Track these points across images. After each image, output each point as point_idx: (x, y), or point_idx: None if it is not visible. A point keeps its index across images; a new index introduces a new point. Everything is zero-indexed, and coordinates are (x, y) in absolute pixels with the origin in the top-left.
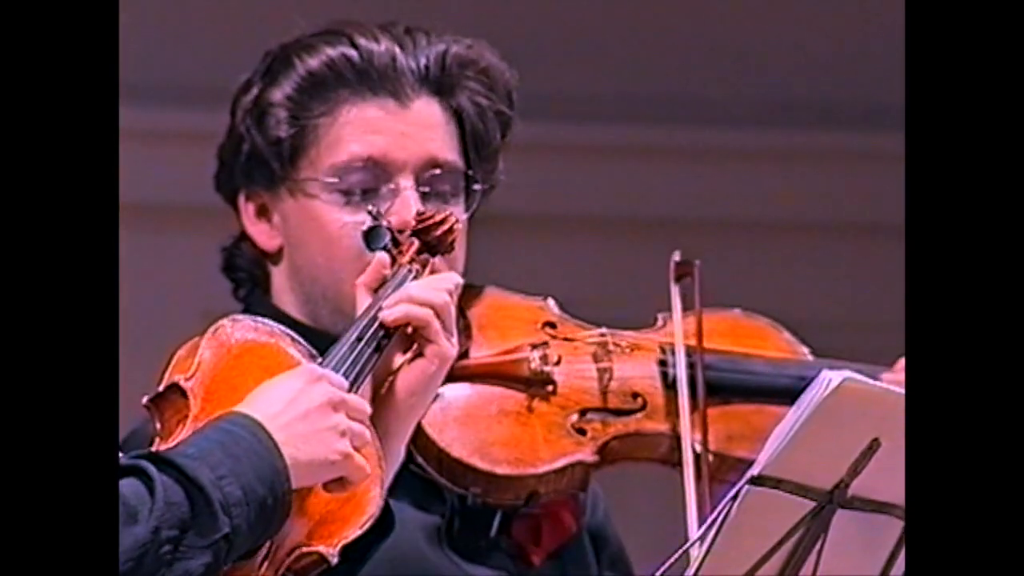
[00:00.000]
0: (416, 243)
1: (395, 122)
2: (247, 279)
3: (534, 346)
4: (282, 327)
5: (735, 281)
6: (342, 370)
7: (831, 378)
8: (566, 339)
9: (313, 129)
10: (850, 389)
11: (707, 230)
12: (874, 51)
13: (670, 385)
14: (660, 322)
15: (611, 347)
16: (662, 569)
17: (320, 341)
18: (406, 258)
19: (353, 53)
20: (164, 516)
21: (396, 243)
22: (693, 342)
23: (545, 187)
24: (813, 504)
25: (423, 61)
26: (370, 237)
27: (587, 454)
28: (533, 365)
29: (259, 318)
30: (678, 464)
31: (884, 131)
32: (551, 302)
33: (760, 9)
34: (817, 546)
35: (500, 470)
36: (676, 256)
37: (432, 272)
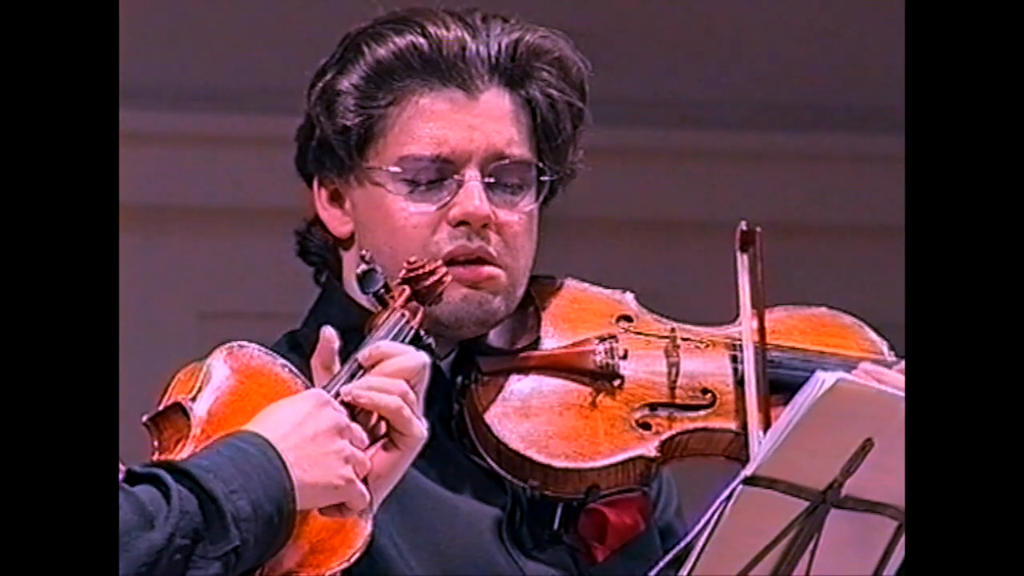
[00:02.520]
0: (407, 290)
1: (463, 114)
2: (320, 263)
3: (601, 339)
4: (284, 360)
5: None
6: None
7: (825, 379)
8: (638, 333)
9: (381, 119)
10: (844, 390)
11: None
12: (871, 54)
13: (740, 382)
14: (739, 320)
15: (683, 342)
16: (656, 569)
17: None
18: (399, 303)
19: (422, 42)
20: (179, 524)
21: (388, 289)
22: (772, 340)
23: (583, 189)
24: (807, 504)
25: (495, 49)
26: (364, 281)
27: (649, 449)
28: (598, 359)
29: (261, 347)
30: (739, 459)
31: (884, 133)
32: (630, 296)
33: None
34: (811, 546)
35: (557, 463)
36: (742, 225)
37: (422, 321)
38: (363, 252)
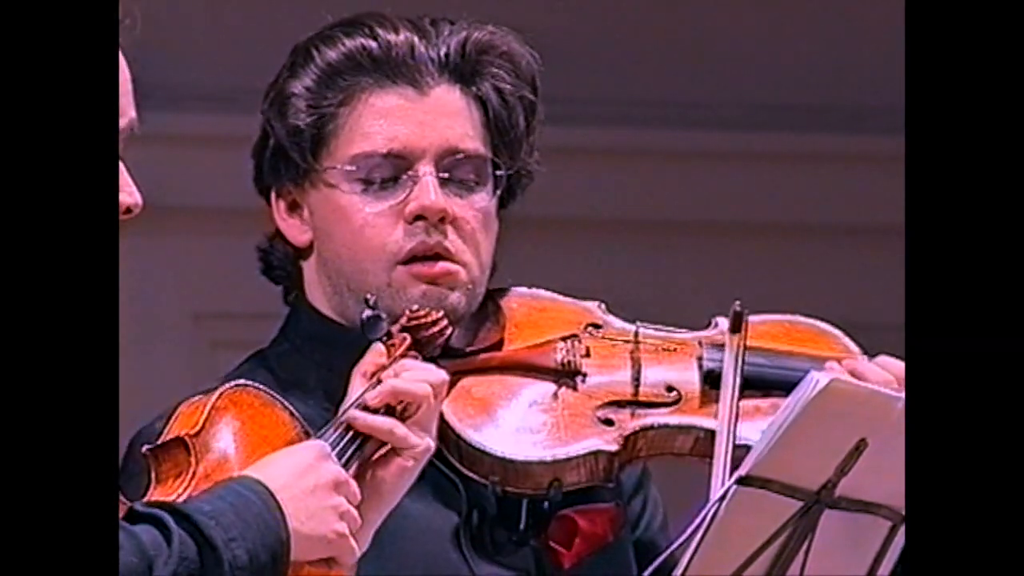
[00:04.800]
0: (408, 339)
1: (414, 110)
2: (283, 277)
3: (564, 338)
4: (284, 401)
5: (737, 283)
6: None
7: (819, 379)
8: (603, 337)
9: (332, 119)
10: (837, 390)
11: (712, 232)
12: (866, 54)
13: (706, 379)
14: (713, 324)
15: (648, 341)
16: (650, 570)
17: (354, 342)
18: (399, 352)
19: (372, 43)
20: (177, 570)
21: (390, 336)
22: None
23: (573, 190)
24: (800, 504)
25: (444, 49)
26: (367, 327)
27: (610, 443)
28: (560, 356)
29: (263, 387)
30: (709, 457)
31: (878, 134)
32: (599, 305)
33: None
34: (804, 546)
35: (517, 457)
36: (736, 306)
37: None
38: (368, 296)
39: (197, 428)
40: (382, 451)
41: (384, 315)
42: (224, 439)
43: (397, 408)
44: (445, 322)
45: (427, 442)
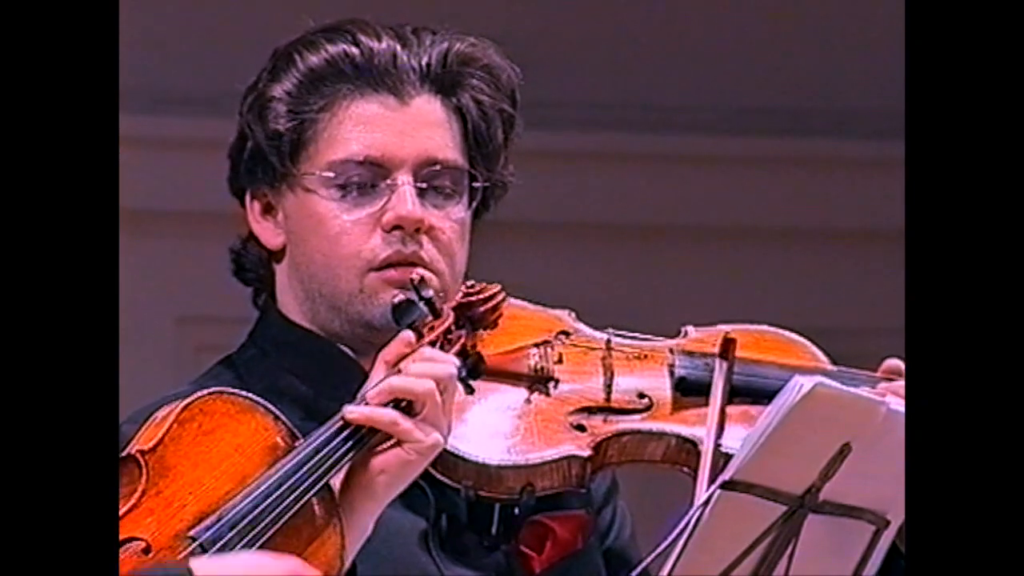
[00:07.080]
0: (451, 319)
1: (394, 119)
2: (255, 279)
3: (537, 345)
4: (268, 404)
5: (734, 287)
6: (320, 455)
7: (803, 383)
8: (574, 344)
9: (312, 124)
10: (821, 395)
11: (709, 237)
12: (852, 59)
13: (676, 386)
14: (683, 334)
15: (619, 349)
16: (635, 572)
17: (323, 348)
18: (432, 336)
19: (354, 50)
20: None
21: (436, 313)
22: (710, 349)
23: (555, 194)
24: (784, 508)
25: (425, 59)
26: (400, 312)
27: (583, 448)
28: (532, 361)
29: (245, 392)
30: (678, 463)
31: (863, 138)
32: (569, 314)
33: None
34: (788, 550)
35: (491, 461)
36: (727, 332)
37: (462, 349)
38: (412, 276)
39: (153, 443)
40: (386, 444)
41: (422, 298)
42: (185, 453)
43: (403, 404)
44: (502, 295)
45: (434, 437)
